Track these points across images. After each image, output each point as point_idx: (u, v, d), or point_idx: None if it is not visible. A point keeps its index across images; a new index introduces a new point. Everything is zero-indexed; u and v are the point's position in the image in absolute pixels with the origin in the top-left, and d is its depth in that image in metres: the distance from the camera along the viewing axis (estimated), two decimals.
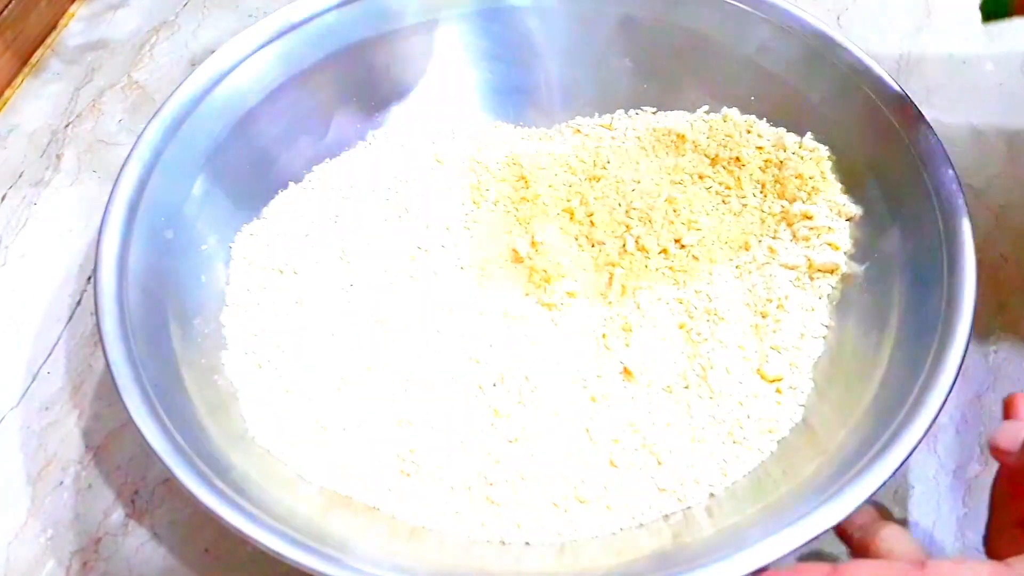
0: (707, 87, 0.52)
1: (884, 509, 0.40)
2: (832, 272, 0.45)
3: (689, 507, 0.39)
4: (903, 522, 0.41)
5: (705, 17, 0.51)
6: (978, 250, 0.41)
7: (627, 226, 0.48)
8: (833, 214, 0.47)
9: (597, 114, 0.53)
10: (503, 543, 0.38)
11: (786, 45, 0.49)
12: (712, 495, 0.40)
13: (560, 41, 0.53)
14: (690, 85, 0.52)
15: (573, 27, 0.53)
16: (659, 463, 0.41)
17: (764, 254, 0.47)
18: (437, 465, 0.40)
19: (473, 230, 0.49)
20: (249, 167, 0.48)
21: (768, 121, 0.50)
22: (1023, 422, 0.36)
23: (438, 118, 0.53)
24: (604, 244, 0.48)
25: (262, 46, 0.48)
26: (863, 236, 0.46)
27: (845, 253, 0.46)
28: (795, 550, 0.34)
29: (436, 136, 0.52)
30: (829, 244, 0.46)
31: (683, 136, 0.51)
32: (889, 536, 0.36)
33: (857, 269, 0.45)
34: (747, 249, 0.47)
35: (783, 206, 0.48)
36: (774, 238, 0.47)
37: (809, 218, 0.47)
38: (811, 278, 0.45)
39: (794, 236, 0.47)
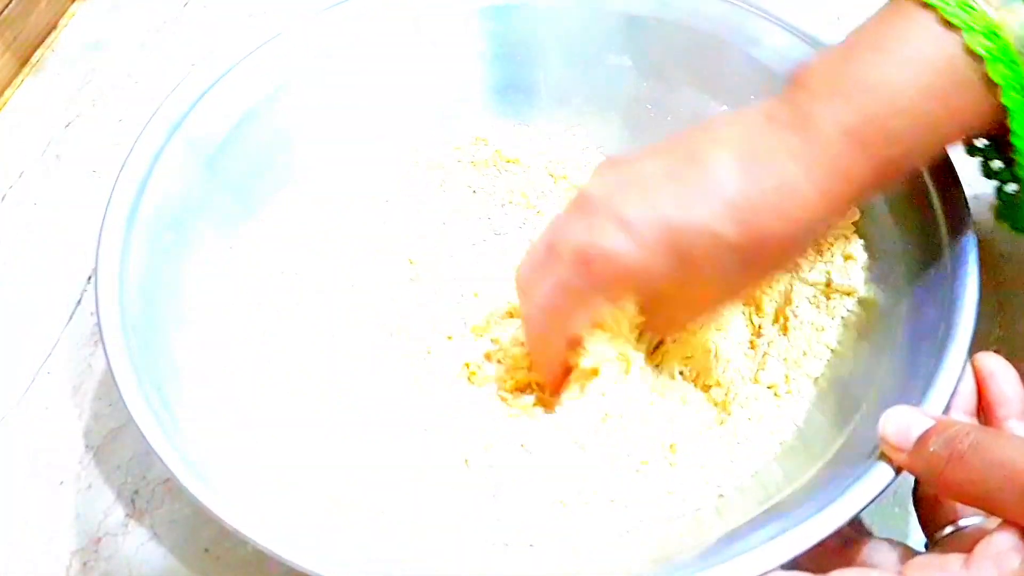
0: (707, 87, 0.51)
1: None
2: (849, 295, 0.43)
3: (696, 509, 0.39)
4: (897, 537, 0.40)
5: (705, 16, 0.51)
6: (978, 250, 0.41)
7: None
8: None
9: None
10: (506, 545, 0.38)
11: (786, 45, 0.49)
12: (721, 495, 0.40)
13: (559, 40, 0.53)
14: (690, 85, 0.52)
15: (572, 26, 0.52)
16: (666, 464, 0.41)
17: None
18: (439, 465, 0.40)
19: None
20: (249, 167, 0.48)
21: None
22: (915, 411, 0.33)
23: (438, 118, 0.53)
24: None
25: (262, 46, 0.48)
26: (862, 237, 0.46)
27: (862, 268, 0.44)
28: (801, 553, 0.34)
29: (436, 136, 0.52)
30: (844, 256, 0.44)
31: None
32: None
33: (875, 293, 0.43)
34: None
35: None
36: None
37: None
38: (827, 297, 0.44)
39: None
